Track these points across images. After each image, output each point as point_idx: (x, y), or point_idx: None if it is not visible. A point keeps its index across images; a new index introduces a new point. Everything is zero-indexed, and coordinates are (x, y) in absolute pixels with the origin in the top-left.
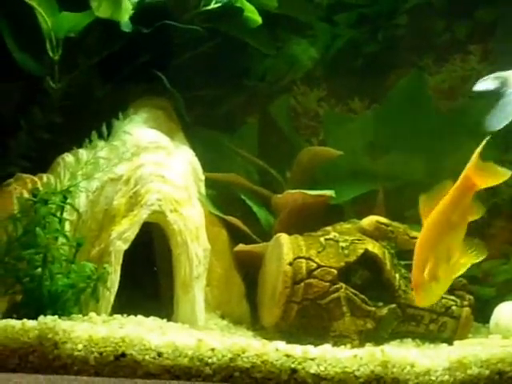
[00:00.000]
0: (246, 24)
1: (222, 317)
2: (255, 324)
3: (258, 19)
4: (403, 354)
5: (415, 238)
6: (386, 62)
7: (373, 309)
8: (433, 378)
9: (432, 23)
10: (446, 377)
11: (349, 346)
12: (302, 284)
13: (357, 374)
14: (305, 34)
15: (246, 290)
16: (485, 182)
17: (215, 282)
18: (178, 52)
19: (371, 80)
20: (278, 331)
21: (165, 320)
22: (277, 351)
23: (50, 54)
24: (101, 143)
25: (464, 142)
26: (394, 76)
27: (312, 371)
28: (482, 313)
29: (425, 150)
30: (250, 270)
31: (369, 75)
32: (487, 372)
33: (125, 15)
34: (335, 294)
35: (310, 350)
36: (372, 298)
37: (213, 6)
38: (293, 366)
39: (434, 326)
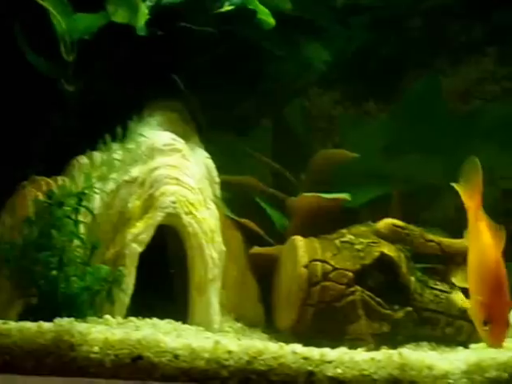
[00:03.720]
0: (259, 26)
1: (237, 319)
2: (270, 327)
3: (272, 21)
4: (421, 356)
5: (431, 240)
6: (400, 64)
7: (388, 312)
8: (451, 382)
9: (448, 25)
10: (464, 380)
11: (364, 349)
12: (318, 287)
13: (374, 376)
14: (319, 37)
15: (261, 292)
16: None
17: (230, 284)
18: (193, 54)
19: (386, 82)
20: (293, 334)
21: (180, 323)
22: (294, 354)
23: (65, 56)
24: (115, 145)
25: (478, 145)
26: (409, 78)
27: (329, 374)
28: None
29: (440, 152)
30: (264, 273)
31: (384, 78)
32: (506, 375)
33: (141, 20)
34: (351, 297)
35: (328, 353)
36: (388, 301)
37: (226, 8)
38: (310, 368)
39: (450, 330)
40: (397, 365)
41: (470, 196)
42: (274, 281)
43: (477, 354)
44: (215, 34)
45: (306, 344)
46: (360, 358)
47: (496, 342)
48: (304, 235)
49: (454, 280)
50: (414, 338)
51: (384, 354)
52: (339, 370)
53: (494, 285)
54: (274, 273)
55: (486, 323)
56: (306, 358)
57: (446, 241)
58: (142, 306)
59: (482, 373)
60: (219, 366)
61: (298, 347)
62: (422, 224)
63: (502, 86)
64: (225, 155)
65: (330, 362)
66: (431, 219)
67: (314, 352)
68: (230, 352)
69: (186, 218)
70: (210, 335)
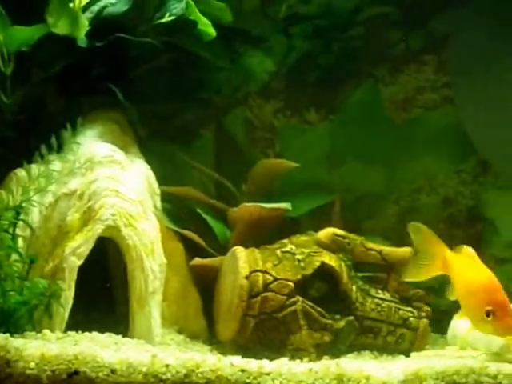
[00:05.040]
0: (200, 37)
1: (179, 332)
2: (212, 338)
3: (213, 32)
4: (358, 366)
5: (372, 249)
6: (341, 73)
7: (330, 321)
8: None
9: (387, 34)
10: None
11: (306, 359)
12: (259, 298)
13: None
14: (260, 47)
15: (203, 304)
16: None
17: (172, 296)
18: (133, 65)
19: (327, 91)
20: (235, 345)
21: (120, 336)
22: (232, 366)
23: (2, 68)
24: (53, 157)
25: (419, 153)
26: (350, 87)
27: None
28: (440, 324)
29: (380, 161)
30: (207, 284)
31: (325, 87)
32: None
33: (81, 31)
34: (292, 308)
35: (266, 365)
36: (330, 310)
37: (166, 18)
38: (248, 380)
39: (391, 338)
40: (334, 375)
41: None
42: (216, 292)
43: (415, 362)
44: (156, 44)
45: (248, 355)
46: (298, 369)
47: (507, 329)
48: (246, 246)
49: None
50: (356, 347)
51: (322, 365)
52: (277, 382)
53: (489, 284)
54: (216, 284)
55: (488, 314)
56: (243, 371)
57: (387, 249)
58: (82, 320)
59: (419, 382)
60: (157, 380)
61: (236, 359)
62: (363, 233)
63: (441, 95)
64: (166, 166)
65: (267, 374)
66: (373, 228)
67: (252, 364)
68: (167, 366)
69: (126, 231)
70: (150, 348)
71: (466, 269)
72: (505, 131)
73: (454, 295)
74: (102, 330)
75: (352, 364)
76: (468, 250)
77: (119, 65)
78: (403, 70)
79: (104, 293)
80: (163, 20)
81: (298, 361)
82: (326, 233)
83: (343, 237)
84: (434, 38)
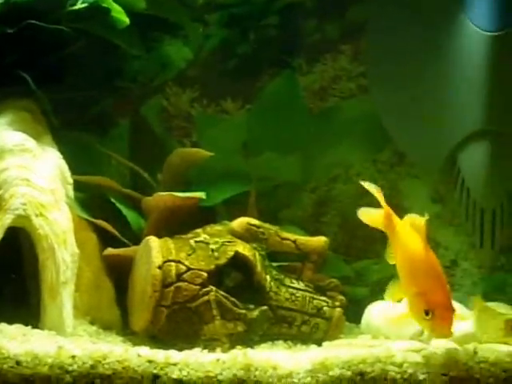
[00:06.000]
0: (113, 25)
1: (92, 322)
2: (126, 329)
3: (126, 20)
4: (266, 356)
5: (286, 239)
6: (258, 62)
7: (243, 311)
8: (295, 381)
9: (303, 23)
10: (308, 379)
11: (219, 349)
12: (172, 288)
13: (220, 378)
14: (177, 35)
15: (117, 294)
16: None
17: (84, 287)
18: (46, 53)
19: (244, 81)
20: (148, 336)
21: (29, 327)
22: (139, 357)
23: None
24: None
25: (336, 143)
26: (267, 76)
27: (174, 376)
28: (356, 313)
29: (297, 150)
30: (120, 274)
31: (241, 76)
32: (349, 373)
33: None
34: (205, 297)
35: (173, 355)
36: (244, 300)
37: (79, 5)
38: (155, 371)
39: (306, 328)
40: (242, 365)
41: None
42: (129, 282)
43: (324, 352)
44: (69, 32)
45: (161, 346)
46: (205, 359)
47: (443, 330)
48: (160, 235)
49: None
50: (270, 337)
51: (229, 355)
52: (184, 373)
53: (430, 273)
54: (130, 274)
55: (427, 312)
56: (150, 361)
57: (302, 239)
58: None
59: (326, 371)
60: (62, 372)
61: (142, 350)
62: (279, 222)
63: (357, 84)
64: (81, 155)
65: (175, 365)
66: (289, 217)
67: (159, 355)
68: (73, 357)
69: (37, 220)
70: (59, 340)
71: (409, 245)
72: (418, 121)
73: (392, 259)
74: (12, 321)
75: (260, 354)
76: (419, 222)
77: (31, 52)
78: (319, 60)
79: (17, 284)
80: (76, 7)
81: (207, 351)
82: (239, 222)
83: (257, 226)
84: (351, 28)
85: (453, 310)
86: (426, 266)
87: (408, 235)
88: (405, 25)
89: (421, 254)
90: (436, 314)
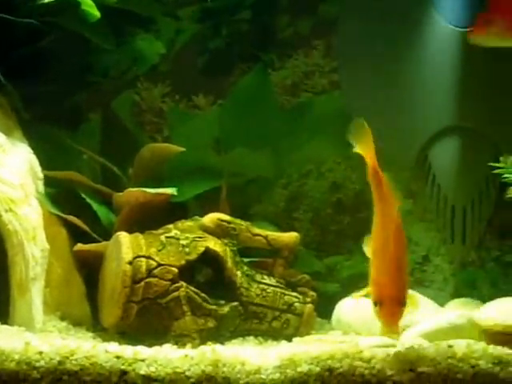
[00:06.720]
0: (84, 18)
1: (62, 318)
2: (97, 325)
3: (97, 13)
4: (234, 352)
5: (258, 234)
6: (230, 57)
7: (214, 307)
8: (263, 377)
9: (276, 18)
10: (277, 375)
11: (189, 345)
12: (142, 283)
13: (188, 374)
14: (149, 29)
15: (87, 290)
16: None
17: (54, 282)
18: (16, 47)
19: (216, 76)
20: (118, 332)
21: None
22: (106, 353)
23: None
24: None
25: (308, 138)
26: (239, 71)
27: (142, 372)
28: (327, 309)
29: (269, 146)
30: (91, 270)
31: (214, 71)
32: (317, 369)
33: None
34: (175, 293)
35: (141, 351)
36: (213, 296)
37: None
38: (123, 367)
39: (276, 324)
40: (210, 361)
41: (366, 154)
42: (100, 278)
43: (293, 348)
44: (39, 25)
45: (130, 342)
46: (174, 355)
47: (387, 325)
48: (131, 231)
49: None
50: (241, 333)
51: (198, 351)
52: (152, 369)
53: (389, 260)
54: (100, 270)
55: (375, 304)
56: (118, 357)
57: (273, 234)
58: None
59: (294, 367)
60: (30, 368)
61: (111, 346)
62: (251, 218)
63: (329, 79)
64: (51, 150)
65: (143, 361)
66: (261, 213)
67: (128, 350)
68: (41, 353)
69: (6, 216)
70: (28, 336)
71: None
72: (390, 117)
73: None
74: None
75: (229, 350)
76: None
77: (1, 46)
78: (292, 55)
79: None
80: (46, 0)
81: (176, 347)
82: (210, 218)
83: (228, 222)
84: (323, 23)
85: (402, 305)
86: (389, 251)
87: (386, 213)
88: (376, 20)
89: (389, 238)
90: (383, 307)
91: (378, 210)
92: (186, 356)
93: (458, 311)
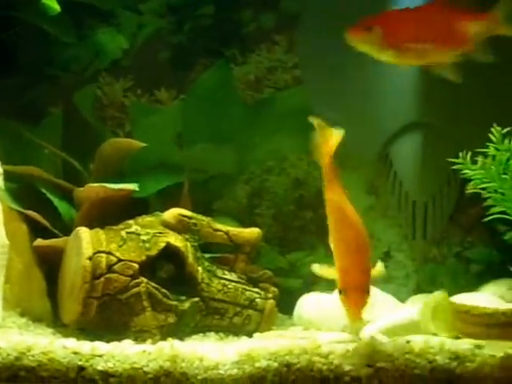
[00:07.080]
0: (44, 12)
1: (22, 314)
2: (57, 321)
3: (57, 7)
4: (193, 348)
5: (219, 230)
6: (192, 52)
7: (175, 303)
8: (221, 372)
9: (238, 13)
10: (235, 370)
11: (149, 341)
12: (102, 279)
13: (146, 369)
14: (111, 23)
15: (48, 286)
16: None
17: (14, 278)
18: None
19: (178, 70)
20: (78, 328)
21: None
22: (64, 348)
23: None
24: None
25: (270, 134)
26: (201, 66)
27: (100, 368)
28: (289, 305)
29: (232, 141)
30: (51, 266)
31: (176, 66)
32: (275, 364)
33: None
34: (136, 289)
35: (99, 347)
36: (174, 291)
37: None
38: (80, 363)
39: (238, 319)
40: (168, 357)
41: (323, 152)
42: (60, 273)
43: (252, 343)
44: None
45: (90, 338)
46: (131, 350)
47: (351, 313)
48: (92, 226)
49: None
50: (202, 329)
51: (156, 347)
52: (110, 364)
53: (351, 248)
54: (61, 265)
55: (340, 292)
56: (76, 353)
57: (234, 230)
58: None
59: (252, 362)
60: None
61: (68, 342)
62: (213, 213)
63: (292, 75)
64: (11, 144)
65: (100, 356)
66: (223, 208)
67: (85, 346)
68: None
69: None
70: None
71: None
72: (352, 113)
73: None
74: None
75: (187, 345)
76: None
77: None
78: (254, 50)
79: None
80: None
81: (136, 343)
82: (171, 213)
83: (189, 217)
84: (286, 18)
85: (366, 293)
86: (350, 239)
87: (343, 199)
88: (337, 15)
89: (350, 223)
90: (347, 295)
91: (327, 200)
92: (144, 351)
93: (418, 307)
